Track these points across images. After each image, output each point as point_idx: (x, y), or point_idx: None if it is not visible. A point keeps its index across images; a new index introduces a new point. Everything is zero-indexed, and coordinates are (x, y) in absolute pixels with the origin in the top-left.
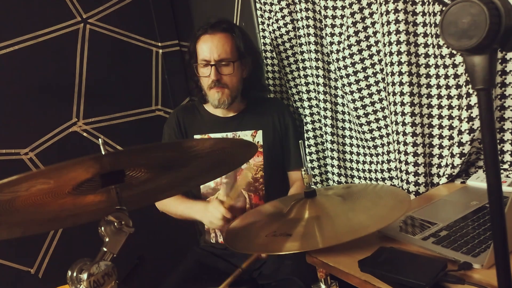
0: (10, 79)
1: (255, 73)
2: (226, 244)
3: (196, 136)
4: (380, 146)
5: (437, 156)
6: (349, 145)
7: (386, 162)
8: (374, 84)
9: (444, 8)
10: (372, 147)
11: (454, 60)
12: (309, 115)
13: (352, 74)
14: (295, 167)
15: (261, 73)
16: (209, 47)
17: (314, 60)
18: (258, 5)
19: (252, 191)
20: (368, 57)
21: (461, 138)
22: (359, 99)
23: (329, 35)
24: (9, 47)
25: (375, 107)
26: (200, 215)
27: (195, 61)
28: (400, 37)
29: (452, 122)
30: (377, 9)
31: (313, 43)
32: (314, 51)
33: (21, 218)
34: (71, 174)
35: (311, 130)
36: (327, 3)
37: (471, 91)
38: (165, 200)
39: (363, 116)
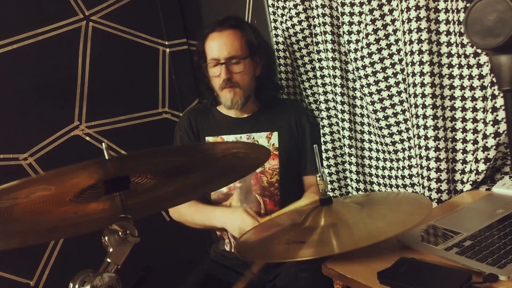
0: (8, 79)
1: (268, 71)
2: (237, 253)
3: (208, 138)
4: (401, 150)
5: (461, 161)
6: (368, 149)
7: (407, 167)
8: (395, 85)
9: (468, 5)
10: (393, 152)
11: (479, 59)
12: (326, 117)
13: (371, 74)
14: (311, 172)
15: (274, 71)
16: (218, 45)
17: (331, 59)
18: (270, 1)
19: (267, 196)
20: (388, 57)
21: (486, 142)
22: (378, 101)
23: (347, 33)
24: (8, 45)
25: (396, 109)
26: (226, 224)
27: (204, 61)
28: (421, 35)
29: (477, 126)
30: (397, 6)
31: (330, 41)
32: (331, 50)
33: (19, 227)
34: (73, 180)
35: (329, 133)
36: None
37: (496, 92)
38: (179, 208)
39: (383, 119)
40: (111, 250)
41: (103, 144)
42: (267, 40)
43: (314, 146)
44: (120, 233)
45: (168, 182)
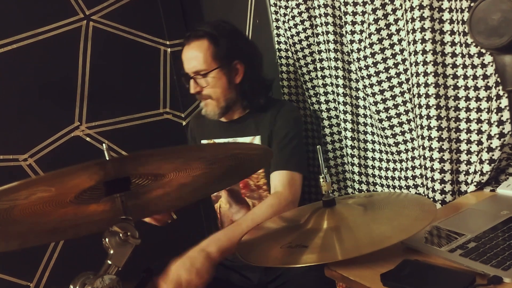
0: (8, 79)
1: (251, 76)
2: (238, 255)
3: (203, 141)
4: (404, 151)
5: (465, 162)
6: (371, 150)
7: (411, 168)
8: (398, 85)
9: (472, 4)
10: (396, 153)
11: (483, 59)
12: (326, 118)
13: (374, 74)
14: (274, 169)
15: (258, 75)
16: (184, 60)
17: (333, 60)
18: (272, 1)
19: (256, 198)
20: (391, 57)
21: (491, 143)
22: (381, 102)
23: (350, 33)
24: (7, 45)
25: (399, 109)
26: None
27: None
28: (425, 35)
29: (481, 126)
30: (400, 5)
31: (332, 41)
32: (333, 50)
33: (19, 229)
34: (73, 181)
35: (329, 134)
36: None
37: (501, 92)
38: None
39: (386, 119)
40: (111, 252)
41: (103, 145)
42: (269, 40)
43: (318, 146)
44: (120, 235)
45: (170, 183)
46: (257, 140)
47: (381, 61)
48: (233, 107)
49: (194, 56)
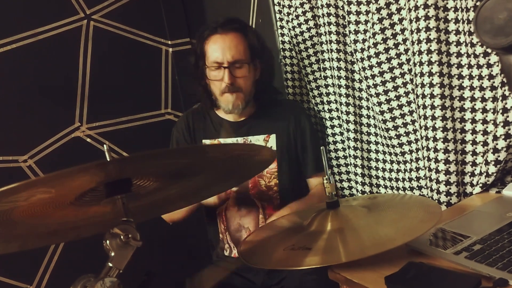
0: (7, 79)
1: (267, 75)
2: (241, 258)
3: (205, 141)
4: (408, 152)
5: (470, 163)
6: (374, 151)
7: (415, 170)
8: (402, 85)
9: (478, 3)
10: (400, 154)
11: (489, 59)
12: (328, 119)
13: (378, 74)
14: (313, 173)
15: (273, 75)
16: (221, 48)
17: (336, 60)
18: (276, 0)
19: (265, 200)
20: (395, 56)
21: (496, 144)
22: (385, 102)
23: (353, 32)
24: (7, 45)
25: (403, 110)
26: None
27: (204, 63)
28: (430, 34)
29: (487, 127)
30: (405, 4)
31: (335, 41)
32: (336, 50)
33: (19, 231)
34: (74, 182)
35: (331, 135)
36: None
37: (507, 93)
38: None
39: (390, 120)
40: (112, 254)
41: (104, 146)
42: (273, 39)
43: (322, 148)
44: (121, 237)
45: (171, 185)
46: (272, 138)
47: (385, 61)
48: (247, 104)
49: (234, 46)
